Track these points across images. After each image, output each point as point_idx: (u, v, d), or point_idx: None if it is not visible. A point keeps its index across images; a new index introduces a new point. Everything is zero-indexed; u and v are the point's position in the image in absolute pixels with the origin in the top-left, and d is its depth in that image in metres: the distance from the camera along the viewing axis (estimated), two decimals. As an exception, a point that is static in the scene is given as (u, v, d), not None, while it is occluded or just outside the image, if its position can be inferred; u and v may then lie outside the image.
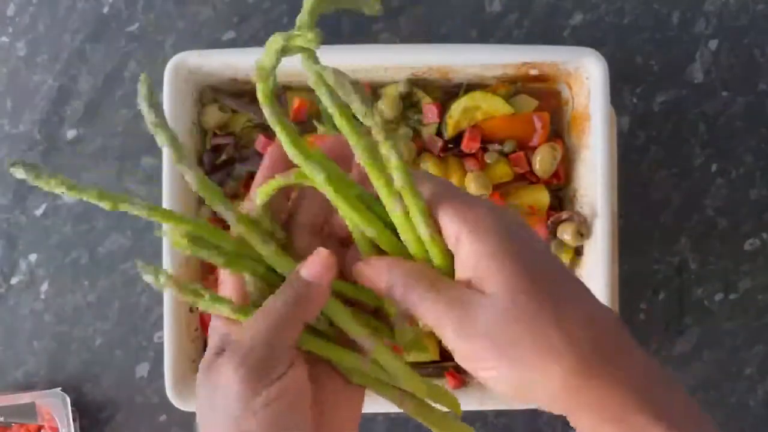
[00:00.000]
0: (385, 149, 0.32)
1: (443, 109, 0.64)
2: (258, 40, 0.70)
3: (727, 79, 0.70)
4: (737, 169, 0.70)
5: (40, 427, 0.68)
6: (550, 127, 0.65)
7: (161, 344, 0.64)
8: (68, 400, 0.67)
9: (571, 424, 0.34)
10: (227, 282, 0.36)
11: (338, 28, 0.70)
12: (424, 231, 0.33)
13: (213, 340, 0.35)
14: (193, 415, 0.70)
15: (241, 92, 0.66)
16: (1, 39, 0.71)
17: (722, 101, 0.70)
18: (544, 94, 0.66)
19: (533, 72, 0.63)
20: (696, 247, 0.71)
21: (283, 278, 0.35)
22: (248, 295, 0.36)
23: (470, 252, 0.33)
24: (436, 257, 0.34)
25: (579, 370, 0.31)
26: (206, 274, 0.66)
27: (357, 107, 0.32)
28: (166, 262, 0.60)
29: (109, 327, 0.71)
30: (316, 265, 0.35)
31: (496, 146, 0.64)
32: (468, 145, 0.63)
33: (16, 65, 0.71)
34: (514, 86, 0.65)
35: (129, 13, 0.71)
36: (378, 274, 0.35)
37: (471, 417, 0.70)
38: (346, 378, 0.38)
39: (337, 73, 0.33)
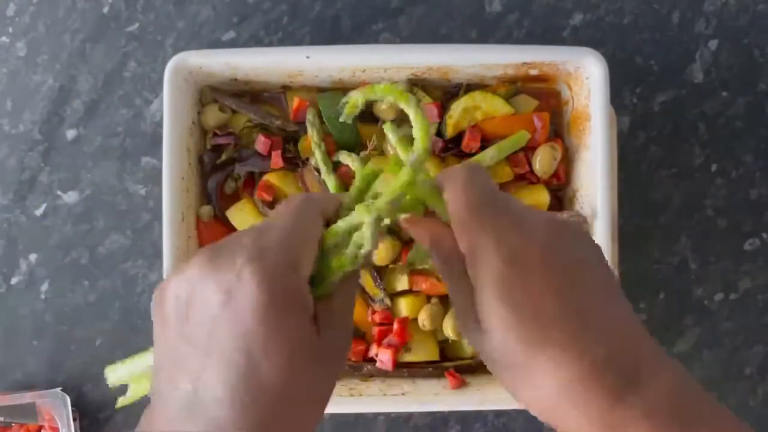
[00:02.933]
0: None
1: (443, 109, 0.64)
2: (258, 40, 0.70)
3: (727, 79, 0.70)
4: (737, 169, 0.70)
5: (40, 427, 0.68)
6: (550, 127, 0.64)
7: (161, 344, 0.64)
8: (68, 400, 0.67)
9: None
10: None
11: (338, 28, 0.70)
12: None
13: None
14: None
15: (241, 92, 0.66)
16: (1, 39, 0.71)
17: (722, 101, 0.70)
18: (544, 94, 0.66)
19: (533, 72, 0.63)
20: (696, 247, 0.71)
21: None
22: None
23: (473, 275, 0.36)
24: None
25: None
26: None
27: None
28: (166, 263, 0.60)
29: (109, 327, 0.71)
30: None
31: (496, 146, 0.64)
32: (468, 145, 0.63)
33: (16, 65, 0.71)
34: (514, 86, 0.65)
35: (129, 13, 0.71)
36: (423, 237, 0.40)
37: (471, 417, 0.70)
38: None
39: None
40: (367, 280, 0.64)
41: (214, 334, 0.33)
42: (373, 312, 0.64)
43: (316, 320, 0.35)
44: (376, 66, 0.62)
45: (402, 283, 0.63)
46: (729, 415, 0.35)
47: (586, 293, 0.36)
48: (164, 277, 0.61)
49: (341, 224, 0.38)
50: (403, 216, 0.40)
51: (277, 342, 0.33)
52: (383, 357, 0.63)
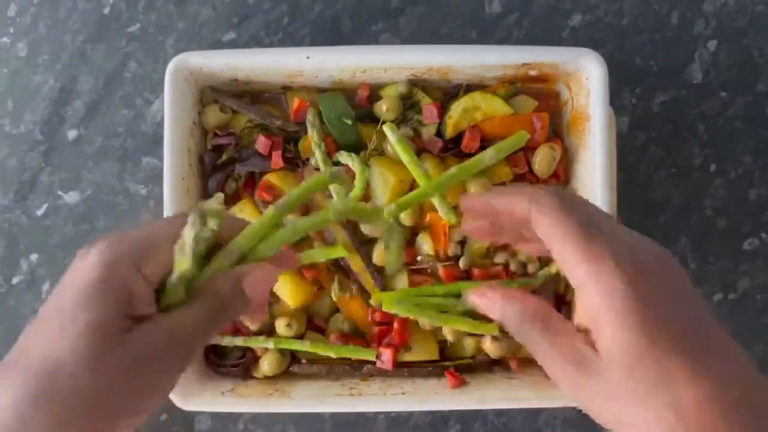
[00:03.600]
0: None
1: (443, 109, 0.64)
2: (258, 41, 0.70)
3: (726, 79, 0.71)
4: (736, 169, 0.71)
5: (41, 427, 0.68)
6: (550, 127, 0.65)
7: (162, 344, 0.64)
8: (69, 399, 0.67)
9: None
10: None
11: (338, 29, 0.70)
12: None
13: None
14: (194, 414, 0.70)
15: (242, 93, 0.67)
16: (2, 39, 0.71)
17: (721, 102, 0.71)
18: (544, 95, 0.66)
19: (533, 72, 0.63)
20: (695, 247, 0.71)
21: None
22: None
23: (590, 304, 0.34)
24: None
25: None
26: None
27: None
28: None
29: (109, 327, 0.71)
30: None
31: (496, 146, 0.64)
32: (468, 146, 0.63)
33: (17, 66, 0.71)
34: (514, 87, 0.65)
35: (130, 13, 0.71)
36: (491, 304, 0.37)
37: (471, 416, 0.71)
38: None
39: None
40: (367, 279, 0.64)
41: (58, 300, 0.38)
42: (373, 312, 0.64)
43: (141, 321, 0.37)
44: (377, 66, 0.62)
45: (402, 282, 0.64)
46: None
47: (698, 322, 0.34)
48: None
49: (233, 242, 0.39)
50: (471, 290, 0.39)
51: (75, 317, 0.36)
52: (383, 357, 0.63)
